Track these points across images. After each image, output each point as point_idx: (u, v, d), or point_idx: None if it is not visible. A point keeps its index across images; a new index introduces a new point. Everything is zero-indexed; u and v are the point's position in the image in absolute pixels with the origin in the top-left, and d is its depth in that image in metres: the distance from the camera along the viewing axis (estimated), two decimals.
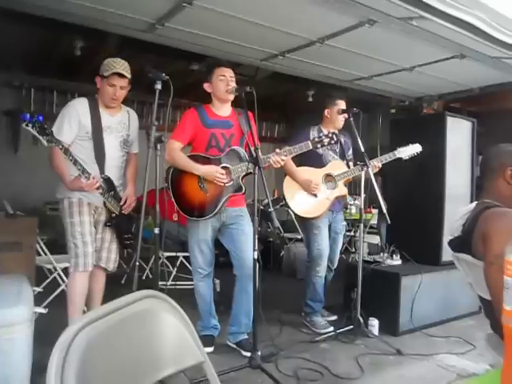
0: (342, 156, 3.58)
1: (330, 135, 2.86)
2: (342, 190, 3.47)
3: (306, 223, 3.51)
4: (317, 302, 3.53)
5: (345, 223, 3.90)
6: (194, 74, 5.39)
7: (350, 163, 3.57)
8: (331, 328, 3.33)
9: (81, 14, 3.07)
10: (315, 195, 3.38)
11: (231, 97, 2.90)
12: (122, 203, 2.77)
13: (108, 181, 2.69)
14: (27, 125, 2.28)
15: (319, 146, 2.89)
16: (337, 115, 3.47)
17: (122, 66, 2.63)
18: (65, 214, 2.67)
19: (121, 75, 2.62)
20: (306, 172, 3.43)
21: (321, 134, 2.95)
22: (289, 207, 3.50)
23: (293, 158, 3.20)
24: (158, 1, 2.86)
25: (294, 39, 3.50)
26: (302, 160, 3.41)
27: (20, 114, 2.24)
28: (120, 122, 2.79)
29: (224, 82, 2.86)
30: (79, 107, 2.65)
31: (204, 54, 3.99)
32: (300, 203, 3.41)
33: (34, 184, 6.04)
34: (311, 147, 2.88)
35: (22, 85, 6.64)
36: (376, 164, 3.34)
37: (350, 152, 3.66)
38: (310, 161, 3.42)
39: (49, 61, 5.79)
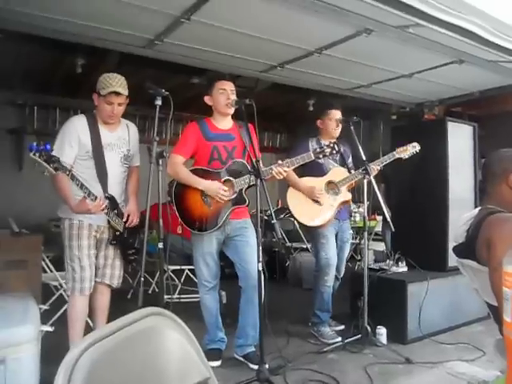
0: (343, 164, 3.59)
1: (332, 145, 2.87)
2: (345, 195, 3.48)
3: (313, 233, 3.51)
4: (324, 312, 3.51)
5: (351, 232, 3.90)
6: (194, 87, 5.44)
7: (352, 171, 3.58)
8: (339, 338, 3.31)
9: (81, 33, 3.11)
10: (319, 203, 3.38)
11: (231, 110, 2.92)
12: (124, 219, 2.74)
13: (111, 199, 2.67)
14: (34, 154, 2.23)
15: (321, 156, 2.90)
16: (329, 124, 3.51)
17: (118, 82, 2.58)
18: (64, 235, 2.65)
19: (118, 93, 2.59)
20: (308, 182, 3.44)
21: (322, 144, 2.96)
22: (294, 218, 3.50)
23: (294, 170, 3.22)
24: (156, 17, 2.89)
25: (293, 50, 3.53)
26: (303, 171, 3.43)
27: (29, 145, 2.22)
28: (120, 138, 2.76)
29: (224, 96, 2.88)
30: (78, 125, 2.63)
31: (204, 67, 4.02)
32: (305, 213, 3.41)
33: (38, 201, 6.05)
34: (313, 158, 2.90)
35: (25, 103, 6.71)
36: (375, 167, 3.34)
37: (350, 160, 3.67)
38: (311, 171, 3.43)
39: (51, 79, 5.85)
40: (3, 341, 1.92)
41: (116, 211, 2.70)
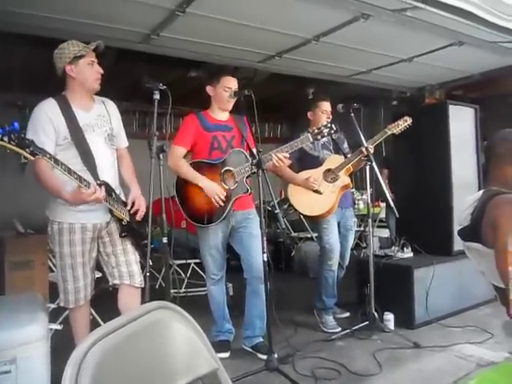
0: (338, 152, 3.58)
1: (329, 125, 2.83)
2: (344, 180, 3.42)
3: (316, 221, 3.51)
4: (330, 298, 3.49)
5: (355, 219, 3.87)
6: (193, 80, 5.41)
7: (348, 156, 3.56)
8: (339, 328, 3.30)
9: (77, 30, 3.09)
10: (319, 192, 3.36)
11: (231, 106, 2.93)
12: (129, 208, 2.42)
13: (106, 185, 2.29)
14: (2, 139, 1.85)
15: (319, 137, 2.85)
16: (320, 116, 3.48)
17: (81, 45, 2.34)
18: (54, 240, 2.34)
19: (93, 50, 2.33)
20: (306, 175, 3.43)
21: (320, 125, 2.90)
22: (300, 213, 3.51)
23: (290, 166, 3.22)
24: (151, 11, 2.88)
25: (290, 39, 3.51)
26: (300, 166, 3.44)
27: None
28: (99, 116, 2.41)
29: (228, 94, 2.87)
30: (48, 109, 2.27)
31: (201, 60, 4.00)
32: (308, 205, 3.40)
33: (41, 201, 6.07)
34: (311, 140, 2.85)
35: (24, 104, 6.70)
36: (371, 146, 3.25)
37: (346, 145, 3.65)
38: (308, 164, 3.42)
39: (49, 79, 5.83)
40: (13, 340, 1.93)
41: (115, 197, 2.36)
